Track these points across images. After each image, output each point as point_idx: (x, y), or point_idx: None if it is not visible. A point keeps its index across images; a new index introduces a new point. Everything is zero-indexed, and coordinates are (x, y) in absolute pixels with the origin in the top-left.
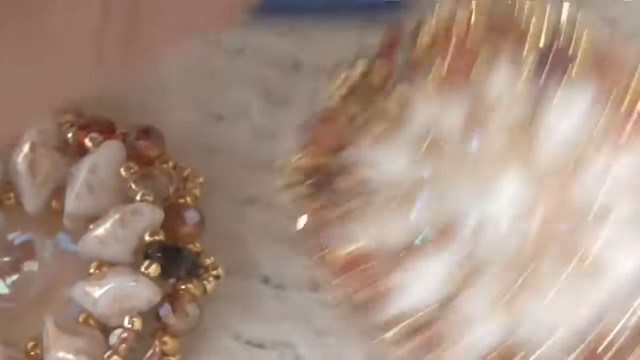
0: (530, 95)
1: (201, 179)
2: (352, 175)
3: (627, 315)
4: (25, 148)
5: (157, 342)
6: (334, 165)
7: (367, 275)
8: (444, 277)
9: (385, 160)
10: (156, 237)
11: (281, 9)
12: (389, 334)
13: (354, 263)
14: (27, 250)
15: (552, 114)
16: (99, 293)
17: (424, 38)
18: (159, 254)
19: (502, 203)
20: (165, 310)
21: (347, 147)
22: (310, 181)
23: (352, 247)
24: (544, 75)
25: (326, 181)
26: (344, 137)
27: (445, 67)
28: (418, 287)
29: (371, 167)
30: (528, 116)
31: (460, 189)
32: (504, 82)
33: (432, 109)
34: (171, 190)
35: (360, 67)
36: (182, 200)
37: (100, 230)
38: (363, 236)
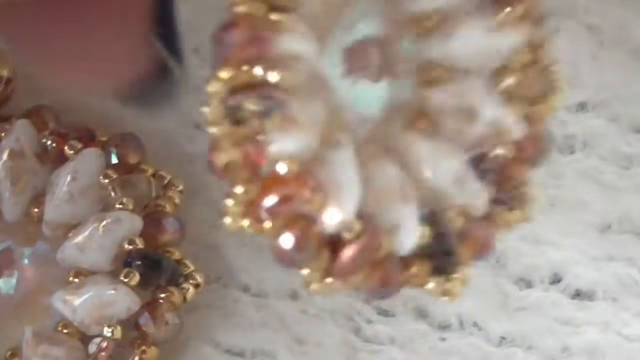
0: None
1: (181, 187)
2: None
3: None
4: (4, 156)
5: (136, 351)
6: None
7: None
8: None
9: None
10: (135, 245)
11: None
12: None
13: None
14: (5, 259)
15: None
16: (78, 302)
17: None
18: (139, 262)
19: None
20: (144, 319)
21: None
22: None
23: None
24: None
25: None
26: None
27: None
28: None
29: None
30: None
31: None
32: None
33: None
34: (151, 197)
35: None
36: (161, 208)
37: (79, 238)
38: None
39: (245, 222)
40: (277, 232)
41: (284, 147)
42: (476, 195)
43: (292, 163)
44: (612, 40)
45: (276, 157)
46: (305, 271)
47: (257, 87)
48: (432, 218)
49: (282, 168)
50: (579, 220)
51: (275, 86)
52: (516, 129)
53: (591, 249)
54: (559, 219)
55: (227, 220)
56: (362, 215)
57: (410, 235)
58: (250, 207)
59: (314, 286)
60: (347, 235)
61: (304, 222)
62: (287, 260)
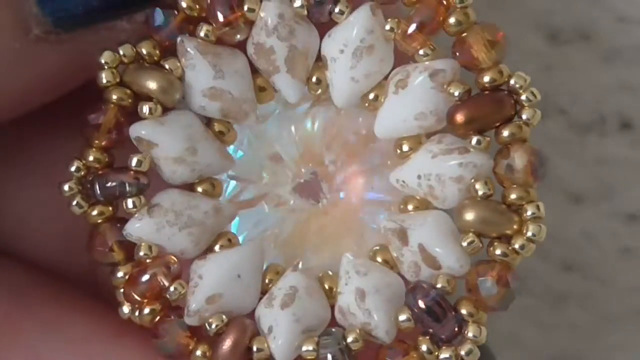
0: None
1: None
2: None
3: None
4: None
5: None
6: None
7: None
8: None
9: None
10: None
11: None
12: None
13: None
14: None
15: None
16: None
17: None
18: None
19: None
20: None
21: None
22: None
23: None
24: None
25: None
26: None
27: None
28: None
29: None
30: None
31: None
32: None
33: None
34: None
35: (127, 49)
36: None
37: None
38: None
39: (136, 313)
40: (152, 320)
41: (135, 229)
42: (372, 318)
43: (145, 247)
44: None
45: (130, 239)
46: None
47: (116, 169)
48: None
49: (141, 251)
50: (512, 357)
51: (134, 170)
52: (457, 267)
53: None
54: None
55: (124, 309)
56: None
57: (281, 339)
58: (127, 291)
59: None
60: (210, 327)
61: (176, 311)
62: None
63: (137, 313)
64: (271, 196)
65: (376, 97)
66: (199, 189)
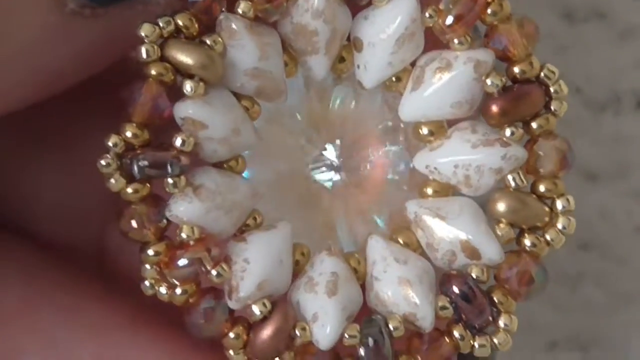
0: None
1: None
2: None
3: None
4: None
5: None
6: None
7: None
8: None
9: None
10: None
11: None
12: None
13: None
14: None
15: None
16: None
17: None
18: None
19: None
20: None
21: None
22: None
23: None
24: None
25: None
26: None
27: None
28: None
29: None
30: None
31: None
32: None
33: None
34: None
35: (167, 22)
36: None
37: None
38: None
39: (162, 289)
40: (186, 301)
41: (181, 212)
42: (419, 309)
43: (188, 229)
44: None
45: (173, 220)
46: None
47: (156, 147)
48: (372, 322)
49: (184, 233)
50: (528, 339)
51: (177, 150)
52: (497, 258)
53: None
54: None
55: (146, 284)
56: (275, 299)
57: (329, 327)
58: (160, 272)
59: None
60: (255, 313)
61: (213, 293)
62: (197, 331)
63: (163, 289)
64: (288, 173)
65: (399, 79)
66: (225, 165)
